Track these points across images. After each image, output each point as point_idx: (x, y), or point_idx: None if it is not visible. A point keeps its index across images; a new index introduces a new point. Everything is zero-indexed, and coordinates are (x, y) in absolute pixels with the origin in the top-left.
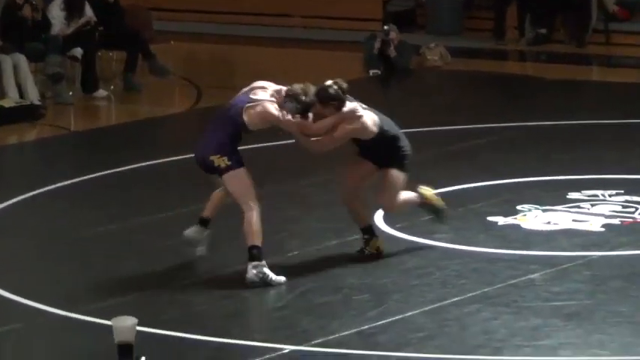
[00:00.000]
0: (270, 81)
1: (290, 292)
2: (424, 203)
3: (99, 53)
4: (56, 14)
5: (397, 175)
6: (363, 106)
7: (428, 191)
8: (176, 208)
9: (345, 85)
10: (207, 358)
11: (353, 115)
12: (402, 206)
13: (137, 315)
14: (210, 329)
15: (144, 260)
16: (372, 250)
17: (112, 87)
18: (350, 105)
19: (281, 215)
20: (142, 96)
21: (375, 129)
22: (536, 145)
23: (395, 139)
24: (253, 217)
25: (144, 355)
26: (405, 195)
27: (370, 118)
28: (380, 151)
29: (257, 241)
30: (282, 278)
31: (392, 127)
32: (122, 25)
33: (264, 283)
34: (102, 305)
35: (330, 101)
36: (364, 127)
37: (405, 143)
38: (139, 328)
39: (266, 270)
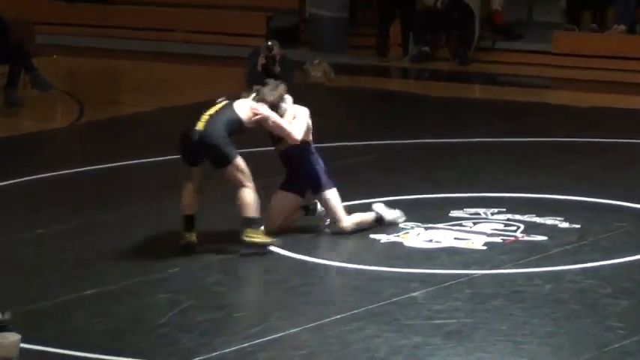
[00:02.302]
0: (155, 94)
1: (171, 309)
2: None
3: None
4: None
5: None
6: None
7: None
8: (52, 224)
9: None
10: None
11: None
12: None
13: (15, 330)
14: (89, 346)
15: (24, 274)
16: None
17: None
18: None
19: (163, 231)
20: (24, 111)
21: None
22: (418, 162)
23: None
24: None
25: None
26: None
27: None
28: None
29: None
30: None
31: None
32: (5, 39)
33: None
34: None
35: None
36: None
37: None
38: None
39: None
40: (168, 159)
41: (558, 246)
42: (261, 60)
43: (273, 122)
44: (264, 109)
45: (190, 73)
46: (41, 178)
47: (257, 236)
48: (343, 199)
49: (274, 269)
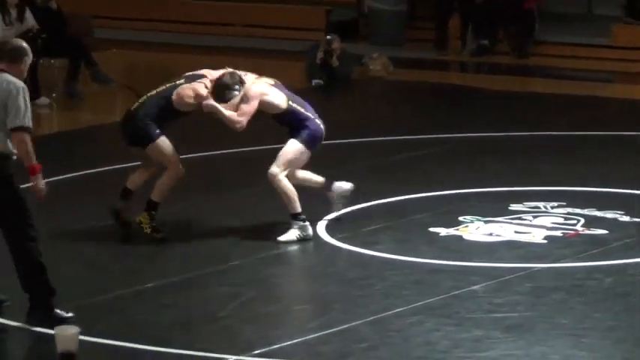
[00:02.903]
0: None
1: (231, 301)
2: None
3: (41, 61)
4: None
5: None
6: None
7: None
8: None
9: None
10: None
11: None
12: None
13: (76, 323)
14: (151, 338)
15: (83, 268)
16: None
17: (54, 95)
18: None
19: (222, 225)
20: (84, 104)
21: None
22: (478, 156)
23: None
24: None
25: None
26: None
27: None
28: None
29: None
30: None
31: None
32: (64, 33)
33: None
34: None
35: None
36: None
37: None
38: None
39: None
40: (225, 153)
41: (619, 240)
42: (321, 54)
43: (216, 114)
44: (208, 101)
45: (249, 67)
46: (100, 171)
47: (146, 224)
48: (401, 193)
49: (333, 262)
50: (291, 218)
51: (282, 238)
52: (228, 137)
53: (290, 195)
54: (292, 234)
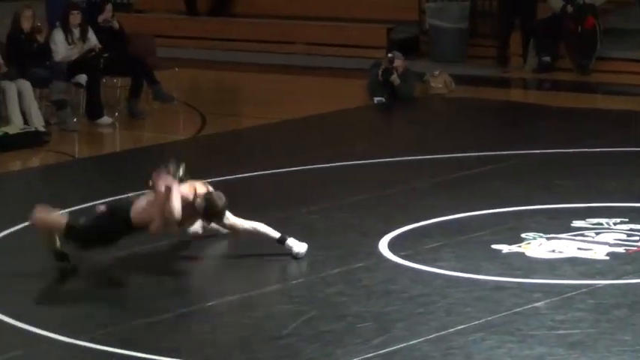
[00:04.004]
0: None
1: (294, 319)
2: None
3: (103, 80)
4: (59, 40)
5: None
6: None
7: None
8: (173, 235)
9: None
10: None
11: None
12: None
13: (139, 342)
14: (213, 357)
15: (146, 286)
16: None
17: (117, 114)
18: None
19: None
20: (147, 123)
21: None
22: (540, 173)
23: None
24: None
25: None
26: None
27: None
28: None
29: None
30: None
31: None
32: (126, 52)
33: None
34: (104, 332)
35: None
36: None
37: None
38: (142, 355)
39: None
40: (288, 171)
41: None
42: (382, 71)
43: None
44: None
45: (311, 85)
46: None
47: None
48: (463, 210)
49: (395, 279)
50: (280, 243)
51: (298, 250)
52: (287, 156)
53: (258, 227)
54: (298, 244)
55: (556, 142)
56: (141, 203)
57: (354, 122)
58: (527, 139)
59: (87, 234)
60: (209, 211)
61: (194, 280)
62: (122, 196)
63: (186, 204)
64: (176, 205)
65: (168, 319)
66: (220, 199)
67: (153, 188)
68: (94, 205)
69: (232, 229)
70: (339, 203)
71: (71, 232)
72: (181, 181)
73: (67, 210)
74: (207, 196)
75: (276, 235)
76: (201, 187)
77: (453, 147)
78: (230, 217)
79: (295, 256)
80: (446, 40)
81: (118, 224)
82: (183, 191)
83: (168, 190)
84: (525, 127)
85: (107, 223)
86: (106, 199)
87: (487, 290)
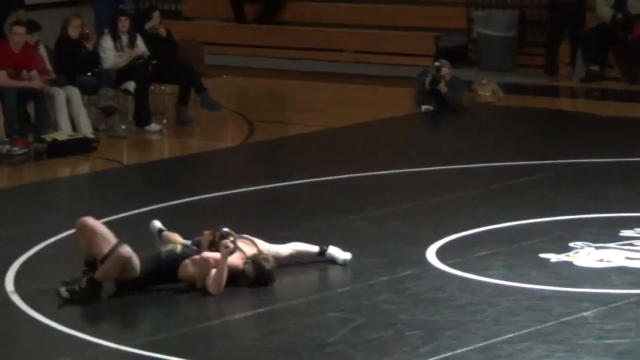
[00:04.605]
0: (323, 114)
1: (342, 327)
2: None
3: (151, 87)
4: (108, 47)
5: None
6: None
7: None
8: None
9: None
10: None
11: None
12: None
13: (187, 349)
14: None
15: (192, 294)
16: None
17: (165, 120)
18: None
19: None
20: (194, 130)
21: None
22: (588, 182)
23: None
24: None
25: None
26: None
27: None
28: None
29: None
30: None
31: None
32: (175, 59)
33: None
34: (152, 339)
35: None
36: None
37: None
38: None
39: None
40: (336, 179)
41: None
42: (429, 80)
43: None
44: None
45: (359, 93)
46: (211, 197)
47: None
48: (511, 219)
49: (443, 288)
50: (322, 255)
51: (343, 258)
52: (335, 163)
53: (296, 247)
54: (340, 252)
55: (604, 151)
56: (186, 264)
57: (401, 130)
58: (575, 148)
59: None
60: (259, 279)
61: (241, 288)
62: (171, 249)
63: (236, 273)
64: (221, 283)
65: (214, 326)
66: (268, 262)
67: (203, 248)
68: (137, 213)
69: (275, 260)
70: (387, 211)
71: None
72: (233, 249)
73: (110, 218)
74: (256, 264)
75: (316, 249)
76: (249, 249)
77: (500, 155)
78: (270, 248)
79: (342, 264)
80: (494, 48)
81: (165, 278)
82: (233, 262)
83: (218, 267)
84: (574, 136)
85: (156, 275)
86: (153, 206)
87: (535, 299)
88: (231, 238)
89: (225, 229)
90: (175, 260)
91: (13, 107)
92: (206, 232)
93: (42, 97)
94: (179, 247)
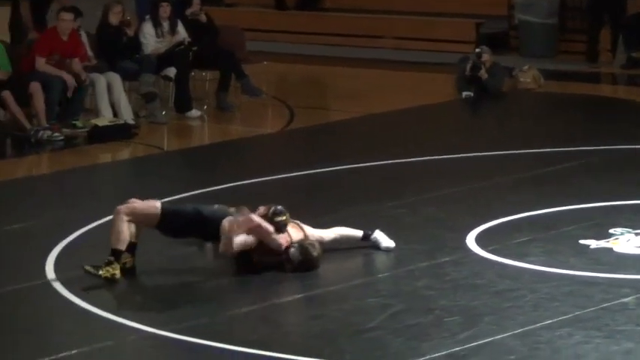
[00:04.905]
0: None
1: (381, 313)
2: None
3: (192, 73)
4: (148, 33)
5: None
6: None
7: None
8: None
9: None
10: None
11: None
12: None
13: (227, 334)
14: (300, 349)
15: (234, 279)
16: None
17: (205, 107)
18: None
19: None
20: (235, 116)
21: None
22: (628, 168)
23: None
24: None
25: None
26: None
27: None
28: None
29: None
30: None
31: None
32: (216, 45)
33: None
34: (191, 323)
35: None
36: None
37: None
38: (228, 346)
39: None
40: (376, 165)
41: None
42: (470, 66)
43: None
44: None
45: (399, 79)
46: (251, 183)
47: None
48: (550, 206)
49: (482, 274)
50: (366, 240)
51: (386, 244)
52: (375, 150)
53: (341, 232)
54: (384, 238)
55: None
56: (231, 220)
57: (441, 117)
58: (615, 135)
59: (183, 225)
60: (304, 264)
61: (281, 274)
62: (220, 206)
63: (277, 252)
64: (237, 244)
65: (254, 312)
66: (314, 248)
67: (244, 214)
68: (178, 199)
69: (321, 246)
70: (426, 197)
71: (168, 219)
72: (283, 227)
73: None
74: (303, 249)
75: (359, 233)
76: (296, 233)
77: (541, 142)
78: (315, 233)
79: (385, 250)
80: (535, 35)
81: (206, 230)
82: (277, 239)
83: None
84: (614, 122)
85: (212, 220)
86: (193, 192)
87: (575, 285)
88: (284, 217)
89: (280, 207)
90: (223, 216)
91: (56, 94)
92: (261, 208)
93: (82, 85)
94: (232, 209)
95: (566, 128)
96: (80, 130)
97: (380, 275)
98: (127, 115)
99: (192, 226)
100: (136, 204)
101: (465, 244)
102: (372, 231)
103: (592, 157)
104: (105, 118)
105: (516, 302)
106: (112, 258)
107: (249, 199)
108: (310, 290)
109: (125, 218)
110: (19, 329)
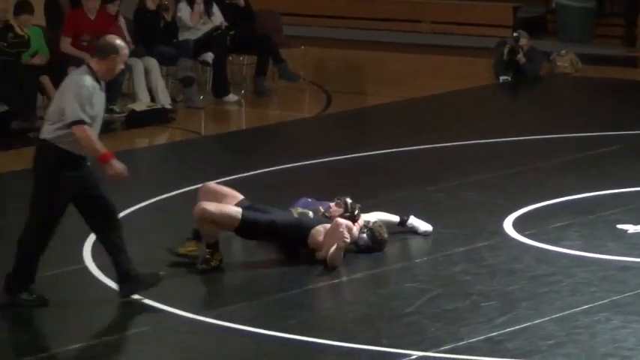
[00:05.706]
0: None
1: (418, 297)
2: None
3: (229, 58)
4: (185, 15)
5: None
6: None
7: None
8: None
9: None
10: None
11: None
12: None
13: (264, 319)
14: (338, 334)
15: (271, 265)
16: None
17: (243, 91)
18: None
19: None
20: (272, 101)
21: None
22: None
23: None
24: None
25: None
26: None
27: None
28: None
29: None
30: None
31: None
32: (253, 30)
33: None
34: (228, 309)
35: None
36: None
37: None
38: (267, 332)
39: None
40: (413, 149)
41: None
42: (507, 50)
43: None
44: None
45: (437, 63)
46: (289, 167)
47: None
48: (588, 190)
49: (520, 259)
50: (402, 225)
51: (423, 229)
52: (413, 134)
53: (379, 217)
54: (421, 223)
55: None
56: (319, 231)
57: (479, 101)
58: None
59: (259, 234)
60: (374, 246)
61: (315, 261)
62: (306, 212)
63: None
64: (339, 258)
65: (292, 296)
66: (384, 230)
67: (330, 220)
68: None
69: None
70: (464, 182)
71: (246, 227)
72: (357, 216)
73: (188, 188)
74: (374, 233)
75: (397, 218)
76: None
77: (578, 126)
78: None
79: (423, 234)
80: (572, 19)
81: (294, 238)
82: (354, 234)
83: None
84: None
85: (287, 232)
86: (231, 177)
87: (612, 270)
88: (358, 206)
89: (348, 199)
90: (309, 225)
91: None
92: (332, 205)
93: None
94: (310, 213)
95: (604, 113)
96: (118, 115)
97: (417, 260)
98: (165, 100)
99: (267, 235)
100: (215, 215)
101: (503, 228)
102: (408, 216)
103: (629, 141)
104: (142, 103)
105: (553, 287)
106: (211, 250)
107: (285, 184)
108: (348, 275)
109: (208, 221)
110: (60, 314)
